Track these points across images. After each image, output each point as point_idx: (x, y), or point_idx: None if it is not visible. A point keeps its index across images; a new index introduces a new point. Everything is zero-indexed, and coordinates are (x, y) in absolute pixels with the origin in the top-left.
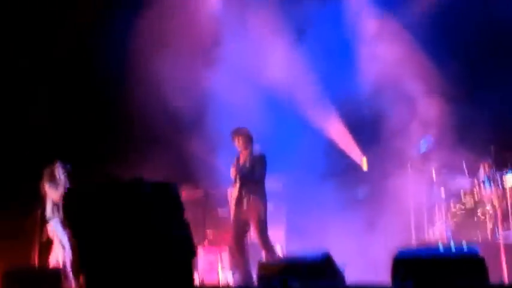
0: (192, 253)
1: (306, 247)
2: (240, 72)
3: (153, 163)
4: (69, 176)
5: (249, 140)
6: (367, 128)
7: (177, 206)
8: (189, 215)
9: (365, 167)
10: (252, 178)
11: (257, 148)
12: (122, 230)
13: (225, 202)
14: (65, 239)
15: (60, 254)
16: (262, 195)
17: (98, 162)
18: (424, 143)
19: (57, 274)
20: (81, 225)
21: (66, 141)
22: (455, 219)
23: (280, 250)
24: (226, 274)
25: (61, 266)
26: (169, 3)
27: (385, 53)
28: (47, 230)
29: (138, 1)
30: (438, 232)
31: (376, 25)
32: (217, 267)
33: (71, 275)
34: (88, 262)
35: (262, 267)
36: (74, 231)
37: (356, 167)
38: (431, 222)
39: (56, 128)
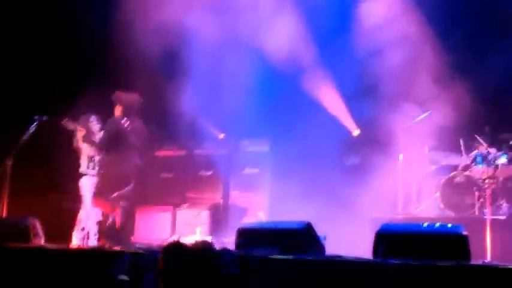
0: None
1: (289, 214)
2: (231, 30)
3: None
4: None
5: None
6: (362, 96)
7: None
8: (171, 175)
9: (356, 133)
10: None
11: None
12: None
13: (208, 163)
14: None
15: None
16: None
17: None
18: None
19: (24, 227)
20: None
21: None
22: (444, 196)
23: (262, 216)
24: (204, 237)
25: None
26: None
27: (385, 18)
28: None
29: None
30: (426, 208)
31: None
32: (196, 230)
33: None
34: None
35: (241, 233)
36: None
37: (347, 133)
38: (419, 197)
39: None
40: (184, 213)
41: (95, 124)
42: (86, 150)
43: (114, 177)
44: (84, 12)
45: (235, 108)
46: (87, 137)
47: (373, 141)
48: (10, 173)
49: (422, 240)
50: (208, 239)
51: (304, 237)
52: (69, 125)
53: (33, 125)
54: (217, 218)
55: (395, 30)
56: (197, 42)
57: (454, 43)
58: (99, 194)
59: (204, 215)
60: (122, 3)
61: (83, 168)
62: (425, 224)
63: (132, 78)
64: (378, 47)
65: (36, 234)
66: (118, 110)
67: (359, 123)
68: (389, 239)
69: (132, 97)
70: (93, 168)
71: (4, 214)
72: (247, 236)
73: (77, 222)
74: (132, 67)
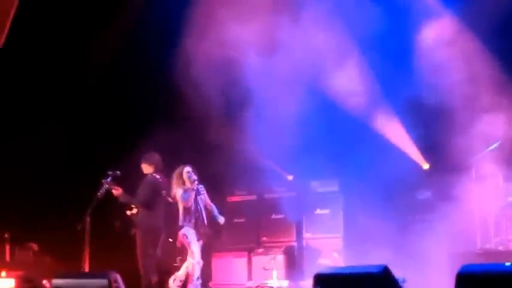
0: None
1: (364, 254)
2: (293, 72)
3: (208, 166)
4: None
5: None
6: (428, 128)
7: None
8: (243, 219)
9: (425, 167)
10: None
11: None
12: None
13: (279, 207)
14: (195, 248)
15: (190, 263)
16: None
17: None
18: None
19: (106, 281)
20: None
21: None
22: None
23: (336, 258)
24: (281, 282)
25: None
26: None
27: (447, 50)
28: (178, 236)
29: None
30: (505, 241)
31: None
32: (272, 274)
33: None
34: None
35: (318, 278)
36: None
37: (416, 168)
38: (497, 230)
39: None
40: (260, 258)
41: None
42: (182, 202)
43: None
44: (144, 61)
45: (303, 149)
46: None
47: (444, 173)
48: (89, 229)
49: (508, 280)
50: (285, 283)
51: (382, 281)
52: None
53: (107, 180)
54: (292, 261)
55: (455, 51)
56: (262, 83)
57: None
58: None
59: (279, 258)
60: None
61: (180, 221)
62: (509, 264)
63: (199, 125)
64: (440, 72)
65: None
66: (150, 168)
67: (428, 156)
68: (472, 280)
69: (159, 156)
70: (190, 221)
71: (86, 269)
72: (324, 281)
73: (188, 273)
74: (198, 115)
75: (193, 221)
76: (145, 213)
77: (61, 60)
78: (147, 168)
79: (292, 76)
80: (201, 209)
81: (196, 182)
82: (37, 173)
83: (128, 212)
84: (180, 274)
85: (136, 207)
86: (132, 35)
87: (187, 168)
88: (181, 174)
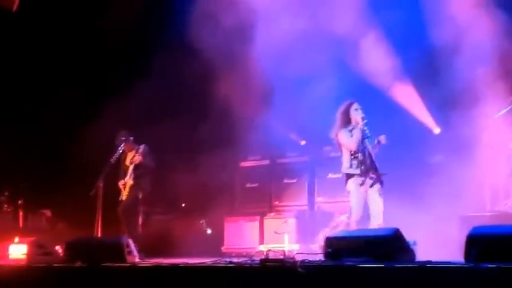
0: None
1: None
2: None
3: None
4: None
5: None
6: (442, 93)
7: None
8: (256, 184)
9: (436, 131)
10: None
11: None
12: None
13: (291, 171)
14: (355, 205)
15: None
16: None
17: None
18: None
19: (118, 245)
20: None
21: None
22: None
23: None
24: (292, 245)
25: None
26: None
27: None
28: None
29: None
30: None
31: None
32: (283, 237)
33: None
34: None
35: (329, 242)
36: None
37: (429, 132)
38: (507, 193)
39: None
40: (271, 222)
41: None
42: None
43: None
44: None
45: (316, 114)
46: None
47: (455, 139)
48: (102, 194)
49: None
50: (296, 246)
51: (393, 244)
52: None
53: (120, 146)
54: (304, 225)
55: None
56: (275, 46)
57: None
58: None
59: (291, 222)
60: None
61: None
62: None
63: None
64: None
65: (130, 252)
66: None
67: (440, 121)
68: (482, 241)
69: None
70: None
71: (99, 234)
72: (335, 244)
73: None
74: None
75: (361, 167)
76: (148, 178)
77: None
78: (132, 145)
79: (307, 39)
80: (369, 153)
81: (364, 122)
82: (49, 140)
83: (122, 182)
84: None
85: (144, 173)
86: None
87: (356, 105)
88: (347, 112)
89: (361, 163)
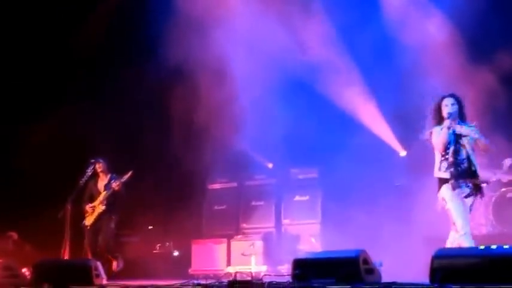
0: None
1: (342, 239)
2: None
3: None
4: None
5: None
6: (406, 119)
7: None
8: (224, 206)
9: (402, 154)
10: None
11: None
12: None
13: (259, 193)
14: (458, 213)
15: (453, 237)
16: None
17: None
18: None
19: (86, 267)
20: None
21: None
22: (496, 212)
23: (314, 243)
24: (259, 267)
25: None
26: None
27: (428, 39)
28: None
29: None
30: (477, 225)
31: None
32: (250, 260)
33: None
34: None
35: (297, 263)
36: None
37: (394, 155)
38: (471, 216)
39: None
40: (239, 244)
41: None
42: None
43: None
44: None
45: (283, 137)
46: None
47: (421, 161)
48: (70, 216)
49: (481, 264)
50: (264, 268)
51: (359, 265)
52: None
53: (89, 168)
54: (271, 246)
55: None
56: (241, 73)
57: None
58: None
59: (258, 244)
60: None
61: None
62: (482, 247)
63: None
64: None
65: (98, 275)
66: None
67: (405, 143)
68: (446, 263)
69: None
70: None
71: (67, 256)
72: (303, 266)
73: None
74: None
75: (451, 169)
76: (119, 205)
77: None
78: (105, 169)
79: (271, 63)
80: (466, 152)
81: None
82: (16, 162)
83: (90, 205)
84: None
85: (116, 201)
86: None
87: (446, 101)
88: (439, 108)
89: (451, 165)
